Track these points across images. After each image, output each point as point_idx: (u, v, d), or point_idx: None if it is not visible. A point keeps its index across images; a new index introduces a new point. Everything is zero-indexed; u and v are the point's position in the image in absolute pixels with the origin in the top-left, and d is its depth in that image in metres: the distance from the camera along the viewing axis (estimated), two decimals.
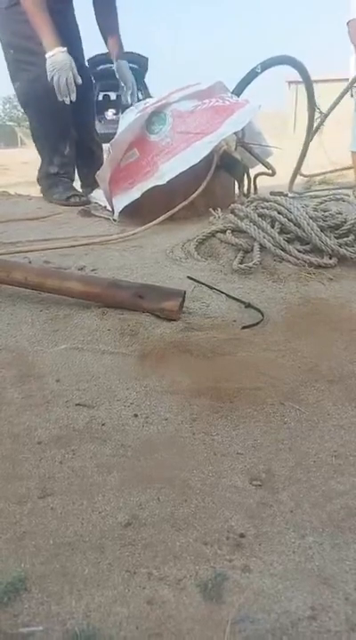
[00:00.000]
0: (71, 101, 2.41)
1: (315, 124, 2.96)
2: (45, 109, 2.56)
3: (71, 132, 2.71)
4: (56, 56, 2.32)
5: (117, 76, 2.81)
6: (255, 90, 2.58)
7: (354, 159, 3.42)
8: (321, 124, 3.09)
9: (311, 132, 2.84)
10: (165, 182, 1.95)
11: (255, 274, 1.55)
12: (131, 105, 2.63)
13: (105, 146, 2.57)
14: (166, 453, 0.79)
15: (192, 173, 1.96)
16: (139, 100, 2.45)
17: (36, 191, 2.96)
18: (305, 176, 3.37)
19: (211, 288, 1.42)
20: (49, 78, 2.35)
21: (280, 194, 2.13)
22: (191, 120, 2.02)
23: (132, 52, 10.19)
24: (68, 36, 2.51)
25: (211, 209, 1.96)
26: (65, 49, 2.35)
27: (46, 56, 2.33)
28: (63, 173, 2.74)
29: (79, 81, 2.39)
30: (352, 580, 0.58)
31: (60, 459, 0.78)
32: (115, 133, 2.13)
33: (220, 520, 0.66)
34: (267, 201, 1.74)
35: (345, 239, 1.63)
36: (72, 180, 2.81)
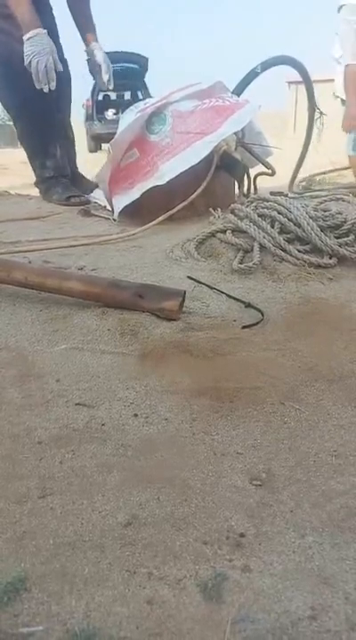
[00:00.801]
0: (50, 90, 2.19)
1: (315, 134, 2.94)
2: (32, 109, 2.43)
3: (57, 131, 2.63)
4: (36, 38, 2.11)
5: (98, 59, 2.59)
6: (255, 90, 2.58)
7: (352, 162, 3.42)
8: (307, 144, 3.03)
9: (311, 132, 2.83)
10: (164, 182, 1.95)
11: (255, 274, 1.55)
12: (108, 87, 2.56)
13: (105, 146, 2.56)
14: (166, 453, 0.79)
15: (192, 173, 1.96)
16: (138, 100, 2.44)
17: (35, 191, 2.96)
18: (302, 180, 3.36)
19: (211, 288, 1.42)
20: (26, 63, 2.13)
21: (280, 194, 2.13)
22: (191, 120, 2.02)
23: (132, 52, 10.23)
24: (45, 23, 2.27)
25: (211, 209, 1.96)
26: (46, 31, 2.15)
27: (24, 38, 2.12)
28: (59, 175, 2.72)
29: (60, 67, 2.21)
30: (352, 580, 0.58)
31: (60, 458, 0.78)
32: (115, 133, 2.13)
33: (220, 520, 0.66)
34: (267, 201, 1.74)
35: (345, 239, 1.63)
36: (69, 180, 2.80)
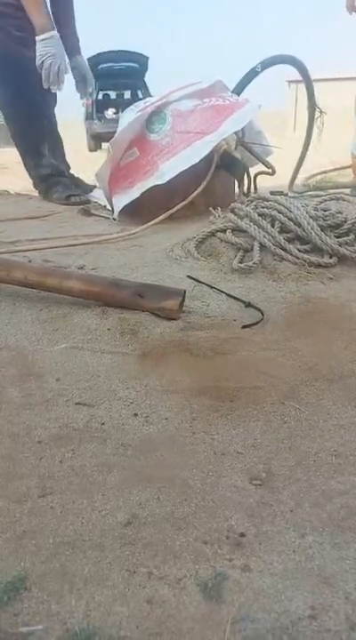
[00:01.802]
0: (49, 91, 2.28)
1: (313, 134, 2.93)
2: (25, 108, 2.47)
3: (49, 131, 2.65)
4: (51, 40, 2.17)
5: (83, 72, 2.67)
6: (255, 89, 2.58)
7: (354, 162, 3.41)
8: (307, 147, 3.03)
9: (311, 131, 2.83)
10: (165, 182, 1.95)
11: (255, 273, 1.55)
12: (89, 97, 2.63)
13: (105, 145, 2.57)
14: (166, 452, 0.79)
15: (192, 173, 1.96)
16: (138, 99, 2.46)
17: (36, 190, 2.96)
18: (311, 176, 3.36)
19: (211, 287, 1.42)
20: (38, 63, 2.18)
21: (280, 193, 2.13)
22: (191, 119, 2.02)
23: (132, 51, 10.23)
24: None
25: (211, 208, 1.96)
26: (59, 35, 2.21)
27: (38, 38, 2.17)
28: (57, 173, 2.71)
29: (69, 72, 2.30)
30: (353, 580, 0.58)
31: (60, 458, 0.78)
32: (115, 132, 2.13)
33: (220, 519, 0.66)
34: (267, 200, 1.74)
35: (345, 238, 1.63)
36: (68, 178, 2.80)
